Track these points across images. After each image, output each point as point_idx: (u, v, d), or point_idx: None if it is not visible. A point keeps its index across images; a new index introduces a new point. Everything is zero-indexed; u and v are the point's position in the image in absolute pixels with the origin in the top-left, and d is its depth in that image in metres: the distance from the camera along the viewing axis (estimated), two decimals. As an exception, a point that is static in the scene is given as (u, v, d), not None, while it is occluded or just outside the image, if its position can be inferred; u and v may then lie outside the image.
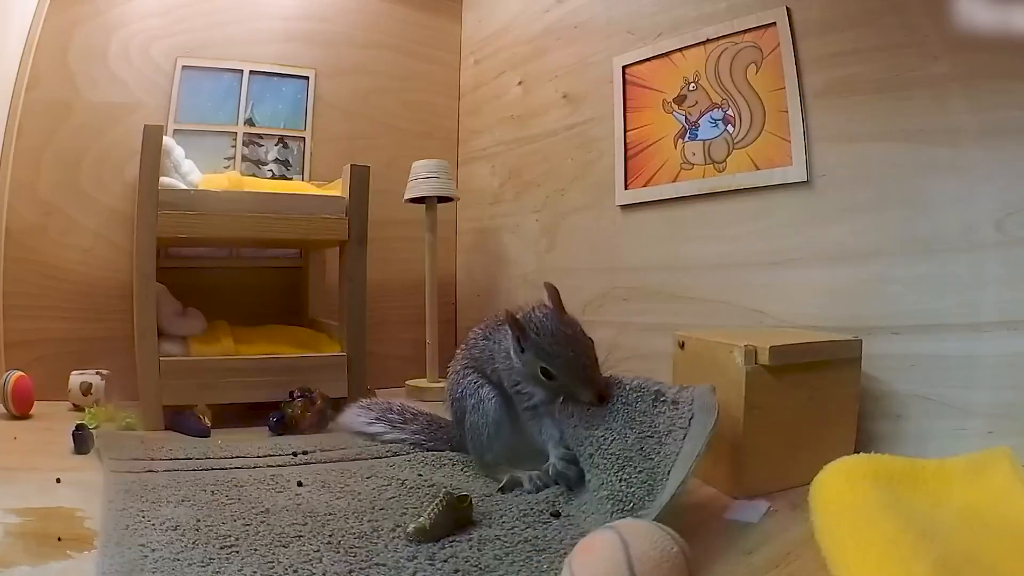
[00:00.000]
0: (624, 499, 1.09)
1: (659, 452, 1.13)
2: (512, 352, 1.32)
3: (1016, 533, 0.96)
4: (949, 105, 1.43)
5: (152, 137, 1.81)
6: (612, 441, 1.18)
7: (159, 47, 2.29)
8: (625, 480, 1.12)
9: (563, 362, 1.24)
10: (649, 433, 1.16)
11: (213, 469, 1.42)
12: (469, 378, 1.43)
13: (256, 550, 0.99)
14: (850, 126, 1.60)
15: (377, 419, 1.65)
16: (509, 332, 1.32)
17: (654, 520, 0.94)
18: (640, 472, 1.12)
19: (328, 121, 2.57)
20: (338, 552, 1.00)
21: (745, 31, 1.80)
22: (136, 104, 2.24)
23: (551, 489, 1.27)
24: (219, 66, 2.39)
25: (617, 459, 1.15)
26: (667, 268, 1.99)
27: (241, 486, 1.30)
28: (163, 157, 1.89)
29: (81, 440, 1.54)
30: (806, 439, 1.32)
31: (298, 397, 1.82)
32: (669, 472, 1.09)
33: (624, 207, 2.11)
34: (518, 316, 1.29)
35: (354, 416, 1.69)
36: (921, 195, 1.48)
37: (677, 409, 1.17)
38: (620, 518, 1.03)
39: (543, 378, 1.27)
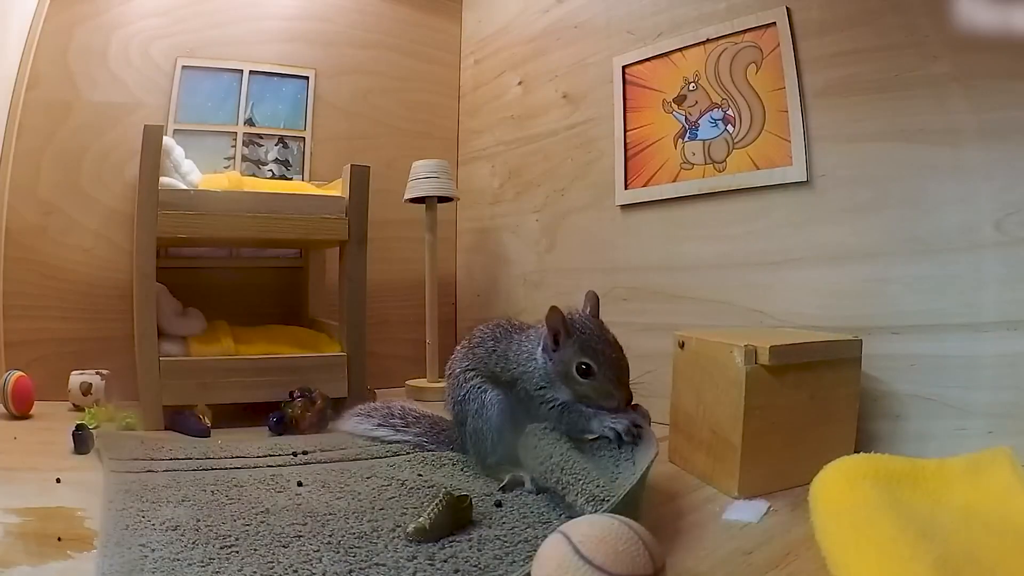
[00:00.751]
0: (598, 488, 1.12)
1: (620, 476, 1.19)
2: (540, 352, 1.32)
3: (1016, 533, 0.96)
4: (949, 105, 1.44)
5: (152, 137, 1.81)
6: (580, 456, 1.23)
7: (159, 47, 2.29)
8: (594, 481, 1.14)
9: (606, 360, 1.26)
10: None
11: (213, 469, 1.42)
12: (472, 382, 1.41)
13: (256, 550, 0.99)
14: (850, 126, 1.60)
15: (379, 425, 1.65)
16: (538, 331, 1.34)
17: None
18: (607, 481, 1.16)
19: (328, 121, 2.57)
20: (338, 552, 0.99)
21: (745, 31, 1.80)
22: (136, 104, 2.24)
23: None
24: (219, 66, 2.38)
25: (585, 467, 1.19)
26: (667, 268, 1.99)
27: (241, 486, 1.30)
28: (163, 157, 1.89)
29: (81, 440, 1.54)
30: (806, 439, 1.32)
31: (298, 397, 1.82)
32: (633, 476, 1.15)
33: (624, 207, 2.11)
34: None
35: (355, 425, 1.68)
36: (921, 195, 1.48)
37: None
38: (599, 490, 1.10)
39: (577, 376, 1.27)
